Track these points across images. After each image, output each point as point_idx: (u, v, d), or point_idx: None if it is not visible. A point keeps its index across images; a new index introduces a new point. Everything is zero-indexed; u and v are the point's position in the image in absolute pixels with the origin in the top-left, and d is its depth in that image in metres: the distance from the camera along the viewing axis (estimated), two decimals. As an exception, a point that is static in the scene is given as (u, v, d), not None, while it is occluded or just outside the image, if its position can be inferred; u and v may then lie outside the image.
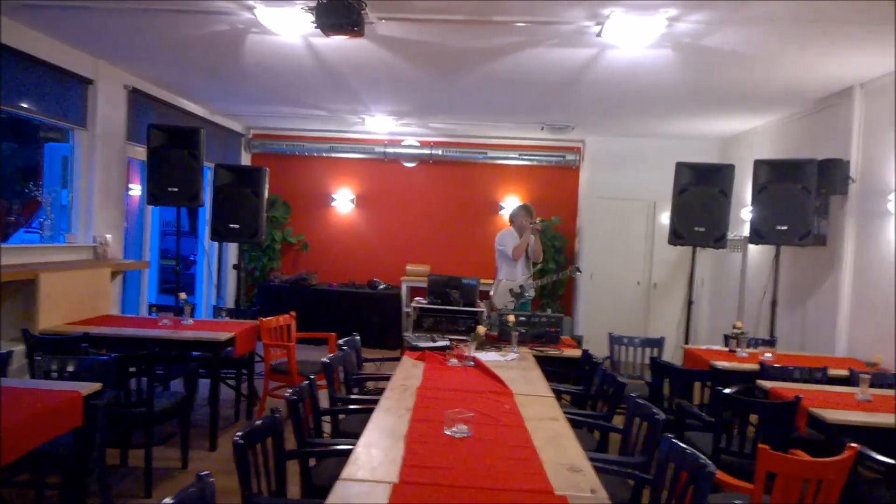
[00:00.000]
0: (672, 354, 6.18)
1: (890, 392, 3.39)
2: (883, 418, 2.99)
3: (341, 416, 3.41)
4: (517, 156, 8.34)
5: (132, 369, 3.46)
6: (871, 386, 3.34)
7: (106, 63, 5.42)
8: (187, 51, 4.93)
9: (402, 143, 8.45)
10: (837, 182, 4.90)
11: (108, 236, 5.52)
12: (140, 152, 5.94)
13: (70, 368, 3.12)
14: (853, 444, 2.37)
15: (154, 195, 5.54)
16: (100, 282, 4.96)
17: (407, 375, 3.33)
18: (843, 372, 3.86)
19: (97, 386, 2.84)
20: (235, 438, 2.12)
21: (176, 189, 5.49)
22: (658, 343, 4.85)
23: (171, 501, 1.58)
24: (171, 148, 5.52)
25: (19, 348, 3.89)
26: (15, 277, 4.14)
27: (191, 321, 4.57)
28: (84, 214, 5.42)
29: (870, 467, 3.09)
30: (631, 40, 4.03)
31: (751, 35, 3.93)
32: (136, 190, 6.79)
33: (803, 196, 4.94)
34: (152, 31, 4.48)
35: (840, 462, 2.32)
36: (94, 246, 5.42)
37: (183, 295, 4.88)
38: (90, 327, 4.19)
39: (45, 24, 4.50)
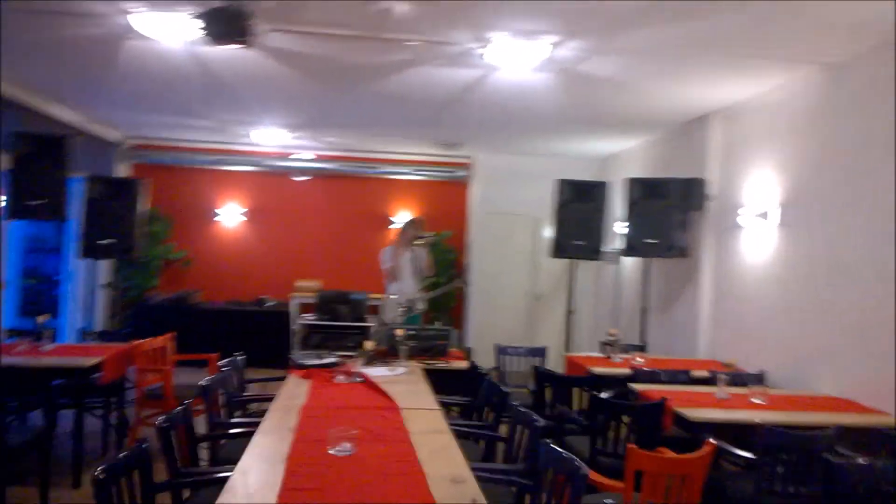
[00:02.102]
0: (555, 363, 6.46)
1: (744, 390, 3.73)
2: (739, 415, 3.29)
3: (223, 442, 3.24)
4: (409, 171, 8.42)
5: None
6: (729, 385, 3.67)
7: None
8: (59, 54, 4.54)
9: (293, 157, 8.26)
10: (697, 199, 5.40)
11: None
12: (4, 162, 5.35)
13: None
14: (711, 440, 2.59)
15: (15, 208, 5.03)
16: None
17: (291, 395, 3.23)
18: (705, 373, 4.22)
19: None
20: (95, 474, 1.95)
21: (40, 202, 5.02)
22: (541, 352, 5.06)
23: None
24: (36, 157, 5.05)
25: None
26: None
27: (51, 346, 4.17)
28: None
29: (730, 461, 3.39)
30: (514, 63, 4.21)
31: (623, 63, 4.24)
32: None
33: (669, 211, 5.39)
34: (20, 31, 4.08)
35: (700, 457, 2.52)
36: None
37: (41, 318, 4.44)
38: (-72, 357, 3.72)
39: None
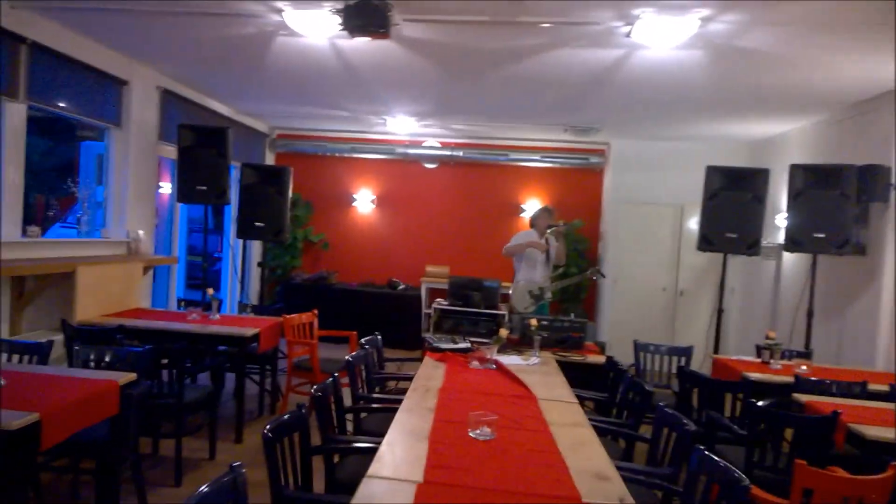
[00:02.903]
0: (700, 364, 6.04)
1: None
2: (926, 436, 2.86)
3: (363, 415, 3.39)
4: (539, 158, 8.27)
5: (164, 361, 3.53)
6: (913, 402, 3.21)
7: (139, 64, 5.52)
8: (216, 52, 4.98)
9: (423, 144, 8.44)
10: (878, 189, 4.74)
11: (141, 232, 5.61)
12: (170, 151, 6.03)
13: (107, 359, 3.22)
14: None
15: (184, 193, 5.61)
16: (132, 276, 5.05)
17: (429, 376, 3.30)
18: (884, 387, 3.72)
19: (132, 376, 2.91)
20: (265, 432, 2.12)
21: (204, 187, 5.56)
22: (686, 352, 4.74)
23: (206, 490, 1.59)
24: (199, 147, 5.58)
25: (58, 338, 3.99)
26: (54, 270, 4.28)
27: (217, 316, 4.62)
28: (118, 211, 5.52)
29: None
30: (661, 41, 3.95)
31: (785, 36, 3.82)
32: (165, 188, 6.89)
33: (842, 203, 4.78)
34: (183, 32, 4.53)
35: (883, 480, 2.23)
36: (127, 241, 5.52)
37: (210, 290, 4.92)
38: (124, 319, 4.29)
39: (82, 26, 4.59)
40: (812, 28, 3.66)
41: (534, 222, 5.62)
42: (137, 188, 5.67)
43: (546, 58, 4.54)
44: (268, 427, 2.13)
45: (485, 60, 4.72)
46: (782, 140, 6.80)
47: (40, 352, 3.26)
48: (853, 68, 4.35)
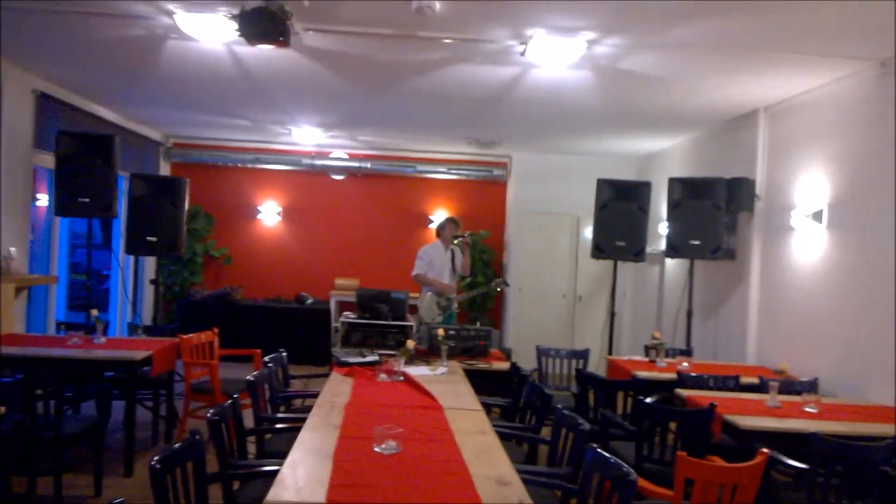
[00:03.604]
0: (597, 365, 6.37)
1: (797, 399, 3.61)
2: (791, 423, 3.17)
3: (267, 436, 3.29)
4: (446, 170, 8.42)
5: (39, 391, 3.23)
6: (780, 393, 3.56)
7: (12, 65, 5.06)
8: (103, 54, 4.68)
9: (331, 156, 8.35)
10: (744, 199, 5.25)
11: (12, 249, 5.12)
12: (48, 160, 5.56)
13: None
14: (764, 450, 2.51)
15: (63, 206, 5.21)
16: (3, 298, 4.59)
17: (335, 392, 3.26)
18: (754, 380, 4.10)
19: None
20: (152, 463, 2.00)
21: (87, 199, 5.19)
22: (583, 355, 4.99)
23: None
24: (82, 156, 5.22)
25: None
26: None
27: (103, 339, 4.30)
28: (-15, 226, 5.01)
29: (782, 471, 3.28)
30: (553, 60, 4.17)
31: (663, 59, 4.15)
32: (42, 200, 6.34)
33: (714, 212, 5.25)
34: (64, 32, 4.23)
35: (753, 467, 2.44)
36: (-5, 260, 5.01)
37: (94, 311, 4.58)
38: (-10, 347, 3.87)
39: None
40: (687, 52, 4.01)
41: (440, 232, 5.72)
42: (8, 201, 5.16)
43: (447, 73, 4.65)
44: (155, 458, 2.01)
45: (388, 73, 4.76)
46: (664, 154, 7.36)
47: None
48: (724, 89, 4.79)
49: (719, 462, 2.64)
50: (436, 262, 5.56)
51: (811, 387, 3.98)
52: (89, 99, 6.25)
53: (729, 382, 3.95)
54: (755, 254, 5.23)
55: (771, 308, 5.02)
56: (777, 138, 5.11)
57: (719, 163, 5.90)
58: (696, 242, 5.29)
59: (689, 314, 5.62)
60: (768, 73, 4.34)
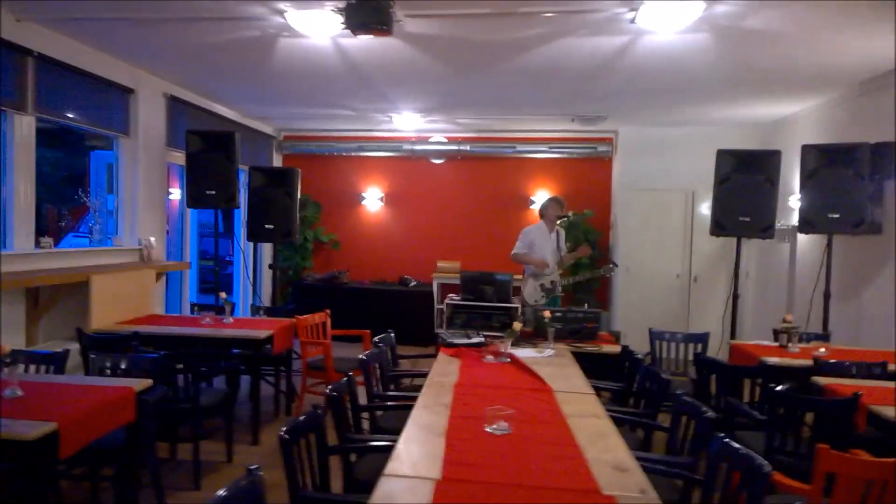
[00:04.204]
0: (717, 350, 5.98)
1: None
2: (950, 415, 2.81)
3: (379, 413, 3.39)
4: (547, 148, 8.22)
5: (179, 366, 3.55)
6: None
7: (145, 72, 5.55)
8: (220, 56, 5.00)
9: (430, 140, 8.42)
10: (892, 166, 4.66)
11: (152, 239, 5.65)
12: (178, 157, 6.06)
13: (122, 366, 3.24)
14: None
15: (193, 198, 5.64)
16: (146, 283, 5.09)
17: (443, 372, 3.29)
18: (903, 367, 3.66)
19: (148, 382, 2.93)
20: (281, 434, 2.12)
21: (213, 192, 5.58)
22: (702, 338, 4.69)
23: (224, 493, 1.59)
24: (207, 152, 5.61)
25: (74, 347, 4.03)
26: (68, 280, 4.31)
27: (231, 320, 4.65)
28: (129, 218, 5.57)
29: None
30: (666, 25, 3.90)
31: (790, 14, 3.75)
32: (175, 194, 6.93)
33: (856, 182, 4.71)
34: (186, 38, 4.55)
35: (906, 462, 2.19)
36: (139, 248, 5.56)
37: (223, 294, 4.96)
38: (138, 326, 4.32)
39: (87, 36, 4.62)
40: (818, 5, 3.60)
41: (543, 213, 5.57)
42: (148, 195, 5.70)
43: (550, 48, 4.50)
44: (284, 429, 2.14)
45: (488, 53, 4.69)
46: (793, 121, 6.71)
47: (56, 361, 3.29)
48: (860, 45, 4.27)
49: (864, 456, 2.38)
50: (538, 243, 5.43)
51: (976, 376, 3.49)
52: (211, 99, 6.72)
53: (874, 370, 3.54)
54: (905, 227, 4.64)
55: (924, 288, 4.44)
56: (931, 96, 4.49)
57: (859, 127, 5.28)
58: (836, 216, 4.77)
59: (827, 295, 5.11)
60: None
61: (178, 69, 5.54)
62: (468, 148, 8.34)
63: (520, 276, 5.79)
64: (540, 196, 8.17)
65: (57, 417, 2.32)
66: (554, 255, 5.48)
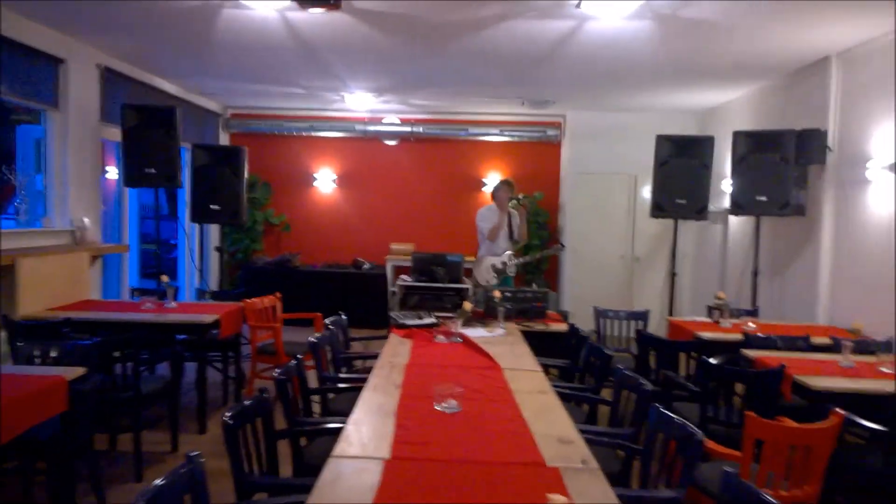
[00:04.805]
0: (657, 326, 6.25)
1: (871, 358, 3.45)
2: (866, 384, 3.05)
3: (331, 396, 3.40)
4: (498, 132, 8.29)
5: (116, 354, 3.43)
6: (853, 353, 3.40)
7: (77, 41, 5.24)
8: (160, 26, 4.78)
9: (383, 121, 8.35)
10: (815, 151, 4.94)
11: (86, 220, 5.40)
12: (115, 133, 5.79)
13: (53, 354, 3.10)
14: (839, 411, 2.42)
15: (131, 177, 5.42)
16: (78, 266, 4.87)
17: (395, 353, 3.32)
18: (825, 340, 3.93)
19: (80, 370, 2.82)
20: (225, 419, 2.10)
21: (153, 170, 5.37)
22: (643, 316, 4.90)
23: (162, 482, 1.57)
24: (146, 128, 5.37)
25: (1, 335, 3.83)
26: (-9, 264, 4.05)
27: (174, 304, 4.51)
28: (60, 198, 5.29)
29: (855, 434, 3.16)
30: (610, 11, 3.99)
31: (727, 6, 3.91)
32: (111, 173, 6.64)
33: (782, 166, 4.98)
34: (124, 6, 4.33)
35: (827, 428, 2.36)
36: (71, 230, 5.30)
37: (165, 278, 4.80)
38: (71, 312, 4.12)
39: (14, 2, 4.32)
40: (753, -4, 3.76)
41: (495, 195, 5.66)
42: (80, 173, 5.43)
43: (499, 30, 4.53)
44: (228, 414, 2.11)
45: (439, 33, 4.68)
46: (726, 108, 6.99)
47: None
48: (792, 36, 4.49)
49: (790, 423, 2.56)
50: (487, 225, 5.53)
51: (887, 347, 3.78)
52: (150, 72, 6.43)
53: (799, 343, 3.80)
54: (827, 209, 4.94)
55: (844, 265, 4.76)
56: (850, 86, 4.77)
57: (787, 114, 5.56)
58: (763, 198, 5.04)
59: (755, 273, 5.40)
60: (839, 15, 4.02)
61: (114, 39, 5.26)
62: (421, 130, 8.31)
63: (471, 258, 5.87)
64: (492, 178, 8.26)
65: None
66: (506, 237, 5.58)
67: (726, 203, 5.81)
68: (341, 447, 2.01)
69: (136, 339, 3.48)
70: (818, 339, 3.92)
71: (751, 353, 3.57)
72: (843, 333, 4.04)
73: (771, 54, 4.96)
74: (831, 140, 4.91)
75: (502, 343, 3.67)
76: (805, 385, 3.03)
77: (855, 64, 4.70)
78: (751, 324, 4.23)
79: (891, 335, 3.94)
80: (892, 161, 4.18)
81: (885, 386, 3.00)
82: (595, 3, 3.81)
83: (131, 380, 3.44)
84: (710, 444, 2.54)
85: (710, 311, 4.60)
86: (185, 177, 6.40)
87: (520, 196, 5.71)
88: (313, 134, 8.43)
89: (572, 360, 3.80)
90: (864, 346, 3.70)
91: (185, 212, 7.19)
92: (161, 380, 3.84)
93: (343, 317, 4.15)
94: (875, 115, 4.43)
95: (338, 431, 2.17)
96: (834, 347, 3.74)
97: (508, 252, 5.56)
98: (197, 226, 7.44)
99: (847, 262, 4.73)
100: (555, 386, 2.89)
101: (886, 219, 4.27)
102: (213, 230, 7.98)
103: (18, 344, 3.16)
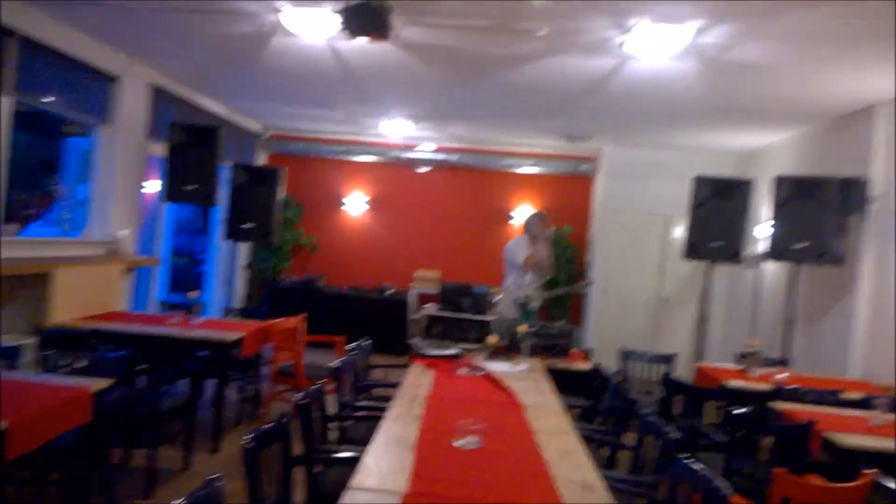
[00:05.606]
0: (683, 371, 6.10)
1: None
2: (898, 445, 2.92)
3: (347, 423, 3.38)
4: (531, 163, 8.31)
5: (140, 367, 3.45)
6: (886, 410, 3.26)
7: (131, 60, 5.45)
8: (211, 50, 4.95)
9: (417, 148, 8.44)
10: (856, 200, 4.83)
11: (126, 232, 5.54)
12: (159, 149, 5.96)
13: (80, 364, 3.12)
14: (869, 471, 2.32)
15: (171, 193, 5.55)
16: (112, 277, 4.97)
17: (417, 383, 3.30)
18: (857, 395, 3.78)
19: (106, 382, 2.82)
20: (245, 442, 2.08)
21: (193, 187, 5.49)
22: (669, 359, 4.78)
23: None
24: (190, 146, 5.50)
25: (30, 341, 3.90)
26: (28, 271, 4.14)
27: (200, 320, 4.55)
28: (101, 210, 5.44)
29: (884, 495, 3.02)
30: (654, 51, 4.00)
31: (774, 49, 3.89)
32: (150, 186, 6.81)
33: (824, 214, 4.87)
34: (178, 29, 4.51)
35: (856, 488, 2.28)
36: (108, 241, 5.44)
37: (192, 293, 4.86)
38: (100, 323, 4.18)
39: (74, 19, 4.52)
40: (801, 42, 3.73)
41: (527, 227, 5.65)
42: (123, 186, 5.58)
43: (541, 65, 4.57)
44: (248, 437, 2.09)
45: (482, 66, 4.75)
46: (765, 152, 6.90)
47: (9, 356, 3.16)
48: (837, 83, 4.44)
49: (818, 481, 2.45)
50: (520, 256, 5.50)
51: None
52: (197, 91, 6.64)
53: (829, 397, 3.66)
54: (867, 259, 4.80)
55: (881, 318, 4.59)
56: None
57: (828, 161, 5.46)
58: (803, 246, 4.91)
59: (789, 322, 5.25)
60: (885, 65, 3.95)
61: (166, 59, 5.46)
62: (454, 158, 8.38)
63: (496, 289, 5.83)
64: (521, 211, 8.25)
65: (6, 416, 2.21)
66: (533, 268, 5.54)
67: (760, 248, 5.69)
68: (360, 478, 1.99)
69: (159, 354, 3.50)
70: (851, 395, 3.77)
71: (780, 404, 3.45)
72: (877, 390, 3.89)
73: (815, 100, 4.90)
74: (873, 190, 4.79)
75: (526, 379, 3.62)
76: (834, 442, 2.91)
77: (900, 114, 4.61)
78: (781, 374, 4.10)
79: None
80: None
81: (919, 448, 2.87)
82: (639, 42, 3.82)
83: (152, 394, 3.43)
84: (736, 498, 2.45)
85: (740, 358, 4.47)
86: (222, 194, 6.54)
87: (552, 228, 5.66)
88: (347, 157, 8.57)
89: (594, 400, 3.72)
90: (900, 405, 3.54)
91: (216, 228, 7.32)
92: (180, 396, 3.80)
93: (367, 342, 4.14)
94: (919, 166, 4.32)
95: (354, 461, 2.15)
96: (866, 404, 3.60)
97: (534, 286, 5.51)
98: (225, 242, 7.56)
99: (885, 315, 4.56)
100: (577, 427, 2.83)
101: (928, 274, 4.12)
102: (243, 248, 8.11)
103: (48, 353, 3.20)
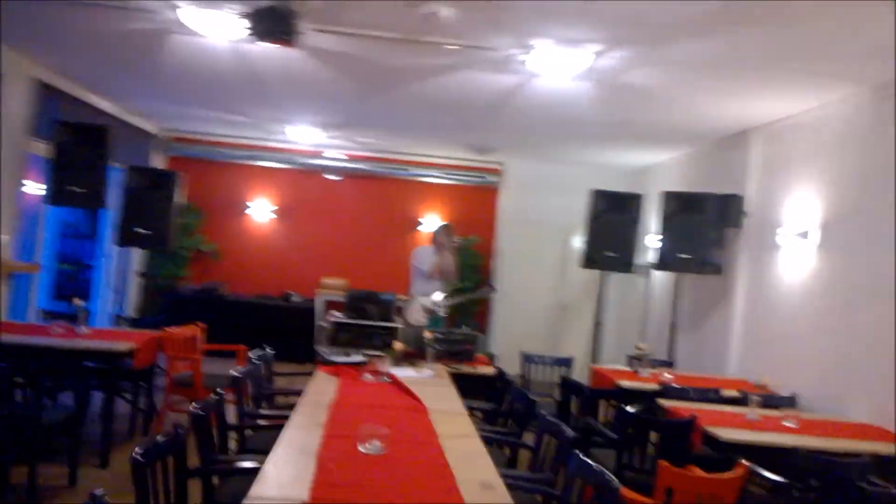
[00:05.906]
0: (580, 373, 6.40)
1: (776, 413, 3.66)
2: (770, 437, 3.22)
3: (248, 432, 3.27)
4: (439, 174, 8.44)
5: (18, 380, 3.19)
6: (760, 406, 3.59)
7: (13, 52, 5.01)
8: (104, 46, 4.67)
9: (325, 155, 8.34)
10: (734, 215, 5.32)
11: (6, 237, 5.06)
12: (41, 148, 5.51)
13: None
14: (744, 462, 2.55)
15: (54, 195, 5.16)
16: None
17: (320, 391, 3.26)
18: (735, 392, 4.14)
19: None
20: (135, 455, 1.97)
21: (79, 189, 5.14)
22: (568, 362, 5.03)
23: None
24: (76, 146, 5.17)
25: None
26: None
27: (86, 329, 4.25)
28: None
29: (759, 484, 3.32)
30: (554, 71, 4.20)
31: (665, 75, 4.21)
32: (30, 188, 6.27)
33: (704, 227, 5.31)
34: (67, 22, 4.21)
35: (733, 478, 2.48)
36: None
37: (77, 301, 4.52)
38: (-30, 334, 3.81)
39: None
40: (687, 70, 4.08)
41: (435, 238, 5.77)
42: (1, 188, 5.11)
43: (449, 78, 4.67)
44: (138, 450, 1.98)
45: (392, 77, 4.78)
46: (656, 168, 7.43)
47: None
48: (719, 108, 4.88)
49: (699, 472, 2.67)
50: (426, 264, 5.60)
51: (790, 402, 4.03)
52: (88, 89, 6.20)
53: (710, 395, 3.98)
54: (741, 269, 5.29)
55: (754, 323, 5.08)
56: (769, 157, 5.19)
57: (710, 179, 5.97)
58: (685, 256, 5.34)
59: (673, 326, 5.67)
60: (763, 93, 4.41)
61: (51, 53, 5.07)
62: (362, 166, 8.34)
63: (403, 297, 5.87)
64: (428, 220, 8.35)
65: None
66: (438, 278, 5.64)
67: (650, 257, 6.11)
68: (257, 488, 1.94)
69: (40, 366, 3.25)
70: (729, 392, 4.13)
71: (666, 402, 3.72)
72: (752, 387, 4.27)
73: (699, 123, 5.36)
74: (748, 206, 5.29)
75: (430, 384, 3.67)
76: (714, 436, 3.17)
77: (774, 137, 5.13)
78: (667, 374, 4.42)
79: (794, 391, 4.21)
80: (802, 229, 4.54)
81: (787, 439, 3.18)
82: (539, 61, 4.00)
83: (32, 408, 3.20)
84: (625, 491, 2.61)
85: (630, 360, 4.77)
86: (114, 198, 6.14)
87: (456, 239, 5.81)
88: (253, 163, 8.31)
89: (498, 403, 3.84)
90: (770, 401, 3.91)
91: (106, 233, 6.85)
92: (64, 409, 3.57)
93: (269, 350, 4.03)
94: (788, 185, 4.82)
95: (255, 471, 2.09)
96: (742, 400, 3.94)
97: (440, 292, 5.61)
98: (117, 248, 7.09)
99: (757, 319, 5.05)
100: (480, 429, 2.91)
101: (795, 282, 4.60)
102: (136, 254, 7.63)
103: None
